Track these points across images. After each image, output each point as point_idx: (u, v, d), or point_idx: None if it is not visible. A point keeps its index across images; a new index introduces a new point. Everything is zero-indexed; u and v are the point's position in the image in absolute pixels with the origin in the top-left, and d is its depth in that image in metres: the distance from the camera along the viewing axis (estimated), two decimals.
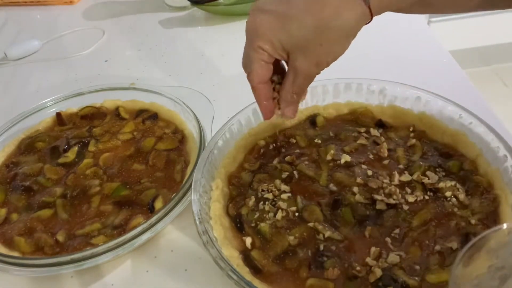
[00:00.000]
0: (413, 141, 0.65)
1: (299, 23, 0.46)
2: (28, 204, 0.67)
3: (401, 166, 0.62)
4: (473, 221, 0.54)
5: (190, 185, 0.60)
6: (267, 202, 0.59)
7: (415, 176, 0.60)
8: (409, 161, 0.63)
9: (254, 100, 0.70)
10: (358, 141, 0.66)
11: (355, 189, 0.59)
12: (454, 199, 0.57)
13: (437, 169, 0.61)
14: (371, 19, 0.47)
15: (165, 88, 0.81)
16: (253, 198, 0.60)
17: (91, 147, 0.74)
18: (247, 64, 0.52)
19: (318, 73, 0.50)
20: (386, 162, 0.63)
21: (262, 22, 0.48)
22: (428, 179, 0.59)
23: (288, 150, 0.67)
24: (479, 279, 0.42)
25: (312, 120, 0.71)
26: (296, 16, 0.46)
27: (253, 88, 0.54)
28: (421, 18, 1.40)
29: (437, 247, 0.52)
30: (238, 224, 0.58)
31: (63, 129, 0.80)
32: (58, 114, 0.82)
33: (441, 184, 0.58)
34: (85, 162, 0.72)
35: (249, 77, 0.53)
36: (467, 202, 0.56)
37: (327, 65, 0.50)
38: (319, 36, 0.46)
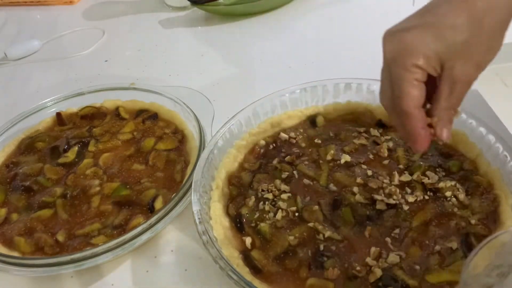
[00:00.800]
0: None
1: (452, 26, 0.43)
2: (28, 204, 0.67)
3: (401, 166, 0.62)
4: (473, 221, 0.54)
5: (190, 185, 0.60)
6: (267, 202, 0.59)
7: (415, 176, 0.60)
8: (409, 161, 0.63)
9: (254, 100, 0.71)
10: (358, 141, 0.66)
11: (355, 189, 0.59)
12: (454, 199, 0.57)
13: (437, 169, 0.61)
14: None
15: (165, 88, 0.81)
16: (253, 198, 0.60)
17: (91, 147, 0.74)
18: (397, 89, 0.46)
19: (477, 77, 0.46)
20: (386, 162, 0.63)
21: (411, 39, 0.44)
22: (428, 179, 0.59)
23: (288, 150, 0.67)
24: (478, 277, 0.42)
25: (312, 120, 0.71)
26: (446, 20, 0.44)
27: (408, 115, 0.46)
28: None
29: (437, 247, 0.52)
30: (238, 224, 0.58)
31: (63, 129, 0.80)
32: (58, 114, 0.82)
33: (441, 184, 0.58)
34: (85, 162, 0.72)
35: (400, 106, 0.46)
36: (467, 202, 0.56)
37: (486, 66, 0.46)
38: (476, 33, 0.44)
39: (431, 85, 0.47)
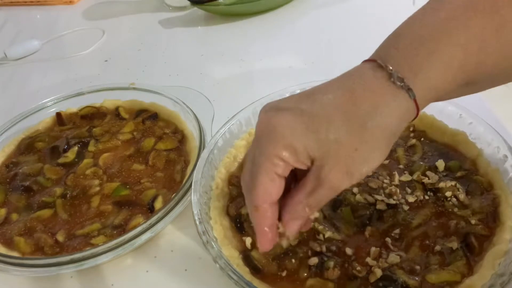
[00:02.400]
0: (413, 141, 0.65)
1: (328, 123, 0.37)
2: (28, 204, 0.67)
3: (401, 166, 0.62)
4: (473, 221, 0.54)
5: (190, 185, 0.60)
6: None
7: (415, 176, 0.60)
8: (409, 161, 0.63)
9: (254, 100, 0.71)
10: None
11: (355, 189, 0.59)
12: (454, 199, 0.57)
13: (437, 169, 0.61)
14: (417, 115, 0.39)
15: (165, 88, 0.81)
16: None
17: (91, 147, 0.74)
18: (253, 177, 0.40)
19: (348, 186, 0.39)
20: (386, 162, 0.63)
21: (280, 122, 0.38)
22: (428, 179, 0.59)
23: None
24: None
25: None
26: (325, 114, 0.37)
27: (256, 208, 0.40)
28: None
29: (437, 247, 0.52)
30: (238, 224, 0.58)
31: (63, 129, 0.80)
32: (58, 114, 0.82)
33: (441, 184, 0.58)
34: (85, 162, 0.72)
35: (251, 195, 0.40)
36: (467, 202, 0.56)
37: (361, 177, 0.39)
38: (353, 139, 0.37)
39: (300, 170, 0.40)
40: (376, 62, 0.39)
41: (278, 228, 0.43)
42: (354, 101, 0.37)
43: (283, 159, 0.38)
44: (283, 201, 0.42)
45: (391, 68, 0.37)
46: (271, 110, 0.40)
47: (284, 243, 0.46)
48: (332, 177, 0.38)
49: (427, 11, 0.40)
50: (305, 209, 0.41)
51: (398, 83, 0.37)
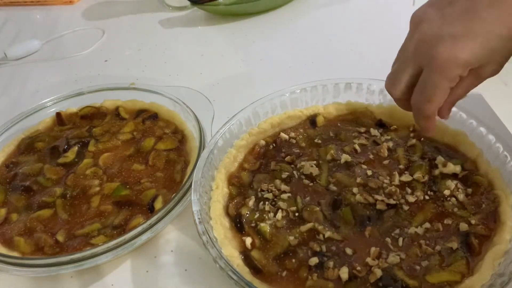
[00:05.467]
0: (413, 141, 0.65)
1: (499, 36, 0.44)
2: (28, 204, 0.67)
3: (401, 166, 0.62)
4: (473, 221, 0.54)
5: (190, 185, 0.60)
6: (267, 202, 0.59)
7: (415, 176, 0.60)
8: (409, 161, 0.63)
9: (254, 100, 0.71)
10: (358, 141, 0.66)
11: (355, 189, 0.59)
12: (454, 199, 0.57)
13: (437, 166, 0.61)
14: None
15: (165, 88, 0.81)
16: (253, 198, 0.60)
17: (91, 147, 0.74)
18: (429, 94, 0.48)
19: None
20: (386, 162, 0.63)
21: (463, 51, 0.45)
22: (429, 179, 0.59)
23: (288, 150, 0.67)
24: None
25: (312, 120, 0.71)
26: (495, 29, 0.44)
27: (428, 117, 0.50)
28: None
29: (437, 247, 0.52)
30: (238, 224, 0.58)
31: (63, 129, 0.80)
32: (58, 114, 0.82)
33: (442, 184, 0.58)
34: (85, 162, 0.72)
35: (426, 107, 0.49)
36: (467, 202, 0.56)
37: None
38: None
39: None
40: None
41: None
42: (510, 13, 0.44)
43: (461, 76, 0.46)
44: None
45: None
46: (450, 38, 0.45)
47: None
48: (493, 71, 0.47)
49: None
50: (460, 98, 0.51)
51: None
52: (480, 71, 0.47)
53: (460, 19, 0.46)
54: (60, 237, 0.61)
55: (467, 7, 0.45)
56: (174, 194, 0.61)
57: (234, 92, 0.88)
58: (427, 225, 0.54)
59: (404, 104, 0.53)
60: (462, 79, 0.47)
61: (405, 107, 0.54)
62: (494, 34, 0.44)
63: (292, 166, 0.64)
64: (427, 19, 0.47)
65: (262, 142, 0.68)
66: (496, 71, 0.48)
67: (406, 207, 0.56)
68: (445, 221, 0.54)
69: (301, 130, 0.70)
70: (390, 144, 0.65)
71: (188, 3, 1.15)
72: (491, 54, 0.45)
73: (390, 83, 0.52)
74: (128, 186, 0.67)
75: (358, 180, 0.60)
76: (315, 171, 0.62)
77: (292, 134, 0.69)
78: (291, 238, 0.55)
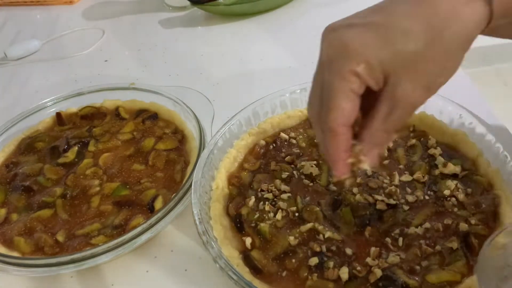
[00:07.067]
0: (413, 141, 0.65)
1: (405, 33, 0.36)
2: (28, 204, 0.67)
3: (401, 166, 0.62)
4: (473, 221, 0.54)
5: (190, 185, 0.60)
6: (267, 202, 0.59)
7: (415, 176, 0.60)
8: (409, 161, 0.63)
9: (254, 100, 0.71)
10: None
11: (355, 189, 0.59)
12: (454, 199, 0.57)
13: (437, 167, 0.61)
14: (490, 22, 0.37)
15: (165, 88, 0.81)
16: (253, 198, 0.60)
17: (91, 147, 0.74)
18: (326, 99, 0.38)
19: (424, 102, 0.38)
20: (386, 162, 0.63)
21: (353, 38, 0.36)
22: (429, 179, 0.59)
23: (288, 150, 0.67)
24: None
25: None
26: (400, 24, 0.36)
27: (332, 132, 0.39)
28: None
29: (437, 247, 0.52)
30: (238, 224, 0.58)
31: (63, 129, 0.80)
32: (58, 114, 0.82)
33: (442, 184, 0.58)
34: (85, 162, 0.72)
35: (327, 119, 0.38)
36: (467, 202, 0.56)
37: (436, 90, 0.38)
38: (431, 48, 0.36)
39: (367, 100, 0.39)
40: None
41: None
42: (431, 12, 0.36)
43: (359, 75, 0.37)
44: (358, 133, 0.41)
45: None
46: (341, 28, 0.38)
47: (348, 182, 0.47)
48: (410, 92, 0.37)
49: None
50: (384, 135, 0.40)
51: None
52: (395, 90, 0.37)
53: (367, 11, 0.39)
54: (60, 237, 0.61)
55: (382, 2, 0.39)
56: (174, 194, 0.61)
57: (234, 92, 0.88)
58: (427, 225, 0.54)
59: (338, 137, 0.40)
60: (376, 104, 0.38)
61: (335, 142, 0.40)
62: (398, 27, 0.36)
63: (292, 166, 0.64)
64: (336, 21, 0.41)
65: (262, 142, 0.68)
66: (416, 95, 0.37)
67: (406, 207, 0.56)
68: (445, 221, 0.54)
69: (301, 130, 0.70)
70: (390, 144, 0.65)
71: (188, 3, 1.15)
72: (396, 56, 0.36)
73: (308, 106, 0.43)
74: (128, 186, 0.67)
75: (358, 180, 0.60)
76: (315, 171, 0.62)
77: (292, 134, 0.69)
78: (291, 238, 0.55)
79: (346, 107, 0.38)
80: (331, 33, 0.39)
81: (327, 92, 0.38)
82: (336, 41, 0.37)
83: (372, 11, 0.38)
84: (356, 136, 0.41)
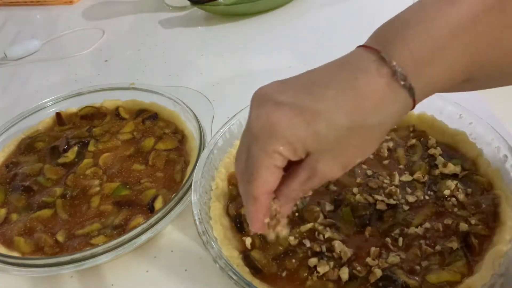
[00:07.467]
0: (413, 141, 0.65)
1: (328, 121, 0.37)
2: (28, 204, 0.67)
3: (401, 166, 0.62)
4: (473, 221, 0.54)
5: (190, 185, 0.60)
6: None
7: (415, 176, 0.60)
8: (409, 161, 0.63)
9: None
10: None
11: (355, 189, 0.59)
12: (454, 199, 0.57)
13: (438, 167, 0.61)
14: (412, 108, 0.39)
15: (165, 88, 0.81)
16: None
17: (91, 147, 0.74)
18: (251, 169, 0.40)
19: (340, 175, 0.41)
20: (386, 162, 0.63)
21: (279, 119, 0.38)
22: (429, 179, 0.59)
23: None
24: None
25: None
26: (325, 113, 0.37)
27: (254, 199, 0.41)
28: None
29: (437, 247, 0.52)
30: (238, 224, 0.58)
31: (63, 129, 0.80)
32: (58, 114, 0.82)
33: (442, 184, 0.58)
34: (85, 162, 0.71)
35: (250, 187, 0.41)
36: (467, 202, 0.56)
37: (352, 166, 0.41)
38: (353, 136, 0.38)
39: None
40: (379, 54, 0.38)
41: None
42: (357, 102, 0.37)
43: (282, 154, 0.39)
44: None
45: (395, 64, 0.37)
46: (269, 104, 0.39)
47: (271, 236, 0.46)
48: (328, 170, 0.40)
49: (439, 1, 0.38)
50: (299, 194, 0.43)
51: (401, 82, 0.37)
52: (315, 166, 0.39)
53: (298, 86, 0.39)
54: (60, 237, 0.61)
55: (313, 77, 0.40)
56: (174, 194, 0.61)
57: (234, 92, 0.88)
58: (427, 225, 0.54)
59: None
60: (297, 168, 0.40)
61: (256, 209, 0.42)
62: (323, 115, 0.37)
63: None
64: (265, 85, 0.42)
65: None
66: (333, 171, 0.40)
67: (406, 207, 0.56)
68: (445, 221, 0.54)
69: None
70: (390, 144, 0.65)
71: (188, 3, 1.15)
72: (318, 141, 0.37)
73: (235, 160, 0.44)
74: (128, 186, 0.67)
75: (358, 180, 0.60)
76: None
77: None
78: (291, 238, 0.55)
79: (269, 180, 0.40)
80: (260, 106, 0.40)
81: (251, 161, 0.40)
82: (263, 118, 0.39)
83: (300, 89, 0.39)
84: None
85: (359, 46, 0.40)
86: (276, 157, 0.39)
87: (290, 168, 0.41)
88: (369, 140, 0.39)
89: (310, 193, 0.49)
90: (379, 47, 0.38)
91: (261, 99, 0.40)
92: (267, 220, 0.44)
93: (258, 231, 0.44)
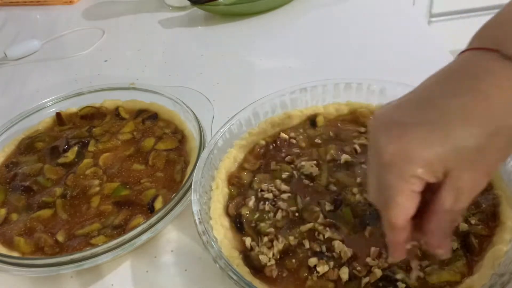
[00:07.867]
0: None
1: (465, 131, 0.35)
2: (28, 204, 0.67)
3: None
4: (473, 221, 0.54)
5: (190, 185, 0.60)
6: (267, 202, 0.59)
7: None
8: None
9: (254, 100, 0.71)
10: (359, 141, 0.66)
11: (355, 189, 0.59)
12: None
13: None
14: None
15: (165, 88, 0.81)
16: (253, 198, 0.60)
17: (91, 147, 0.74)
18: (388, 196, 0.38)
19: (486, 184, 0.39)
20: None
21: (411, 141, 0.36)
22: None
23: (288, 150, 0.67)
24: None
25: (312, 120, 0.71)
26: (459, 123, 0.35)
27: (393, 226, 0.39)
28: (421, 18, 1.39)
29: None
30: (238, 224, 0.58)
31: (63, 129, 0.80)
32: (58, 114, 0.82)
33: None
34: (85, 162, 0.71)
35: (388, 215, 0.39)
36: None
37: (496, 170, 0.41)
38: (492, 141, 0.36)
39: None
40: (499, 52, 0.36)
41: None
42: (491, 104, 0.35)
43: (420, 177, 0.37)
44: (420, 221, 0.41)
45: None
46: (395, 129, 0.37)
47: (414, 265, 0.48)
48: (473, 182, 0.38)
49: None
50: (452, 224, 0.41)
51: None
52: (458, 182, 0.37)
53: (415, 106, 0.38)
54: (60, 237, 0.61)
55: (426, 94, 0.39)
56: (174, 194, 0.61)
57: (234, 92, 0.88)
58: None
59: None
60: (437, 196, 0.38)
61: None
62: (459, 126, 0.35)
63: (292, 166, 0.64)
64: (381, 111, 0.41)
65: (262, 142, 0.68)
66: (480, 183, 0.38)
67: None
68: None
69: (301, 130, 0.70)
70: None
71: (188, 3, 1.15)
72: (457, 153, 0.36)
73: (368, 191, 0.43)
74: (128, 186, 0.67)
75: (358, 180, 0.60)
76: (315, 171, 0.62)
77: (292, 134, 0.69)
78: (291, 238, 0.55)
79: (407, 206, 0.38)
80: (386, 132, 0.38)
81: (387, 190, 0.38)
82: (394, 144, 0.37)
83: (420, 106, 0.38)
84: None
85: (465, 51, 0.39)
86: (413, 181, 0.37)
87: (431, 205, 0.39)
88: (505, 143, 0.37)
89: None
90: (495, 46, 0.37)
91: (385, 125, 0.39)
92: (408, 246, 0.42)
93: (398, 259, 0.44)
